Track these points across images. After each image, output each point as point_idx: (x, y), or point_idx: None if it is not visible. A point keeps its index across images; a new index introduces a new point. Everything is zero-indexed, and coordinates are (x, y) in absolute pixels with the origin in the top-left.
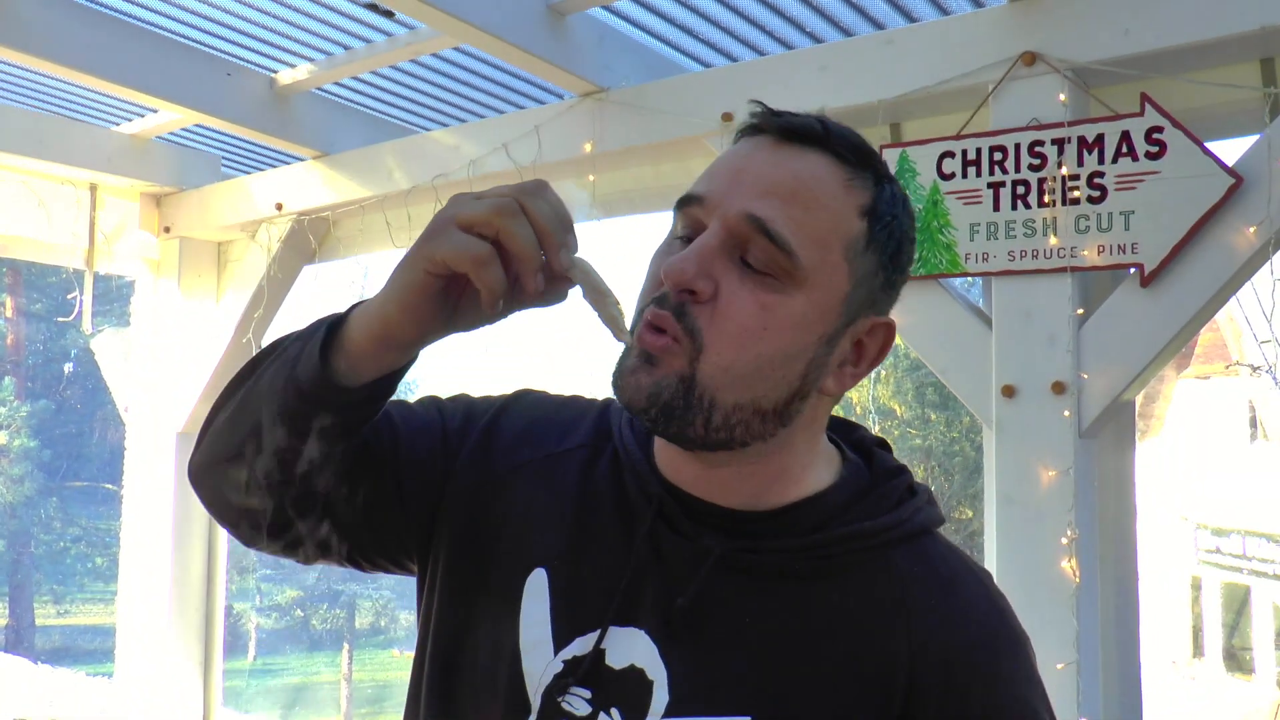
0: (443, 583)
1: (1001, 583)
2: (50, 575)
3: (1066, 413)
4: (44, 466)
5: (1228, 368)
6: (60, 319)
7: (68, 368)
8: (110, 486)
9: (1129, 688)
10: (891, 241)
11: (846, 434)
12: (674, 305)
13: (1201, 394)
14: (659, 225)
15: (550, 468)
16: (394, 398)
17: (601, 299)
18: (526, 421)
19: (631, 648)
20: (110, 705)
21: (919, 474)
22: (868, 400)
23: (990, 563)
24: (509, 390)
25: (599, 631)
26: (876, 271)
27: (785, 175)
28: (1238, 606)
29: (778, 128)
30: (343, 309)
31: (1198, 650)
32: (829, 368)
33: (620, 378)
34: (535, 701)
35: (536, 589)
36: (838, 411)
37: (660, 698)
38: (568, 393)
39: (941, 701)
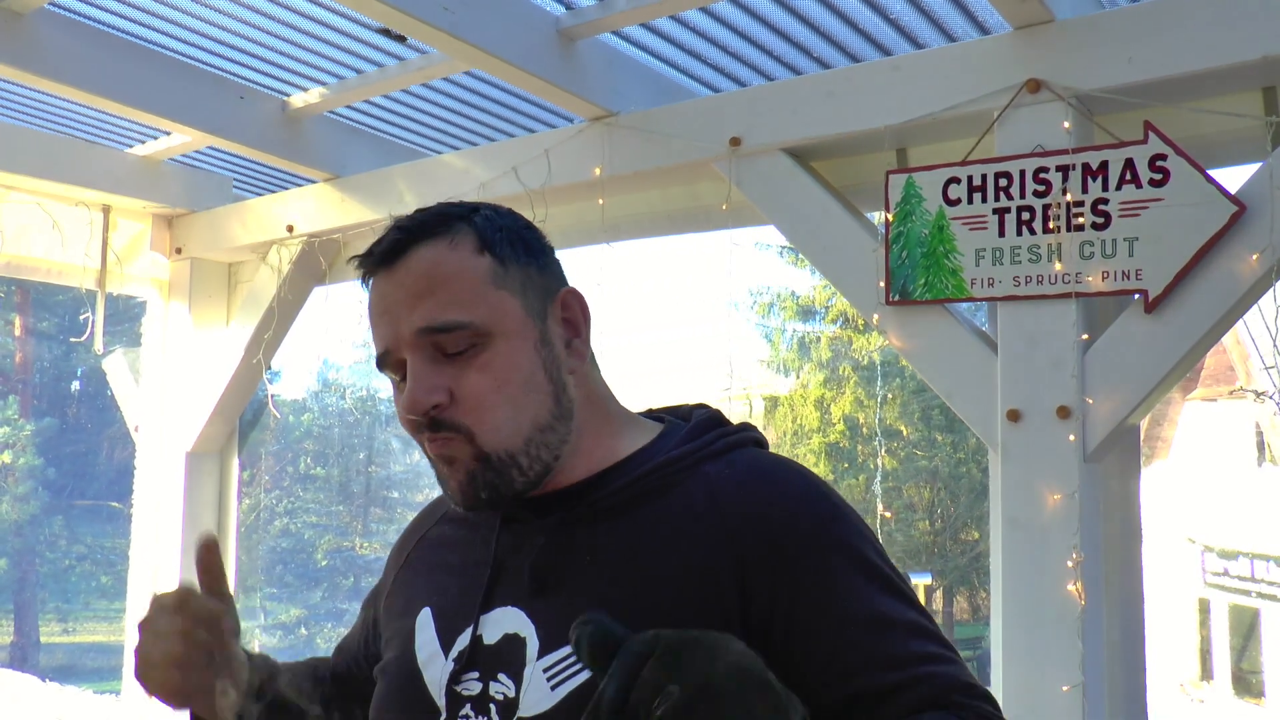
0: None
1: (1007, 604)
2: (55, 593)
3: (1071, 437)
4: (49, 485)
5: (1231, 393)
6: (74, 339)
7: (74, 386)
8: (116, 505)
9: (1134, 709)
10: (513, 246)
11: (673, 411)
12: (430, 423)
13: (1208, 417)
14: (667, 248)
15: (418, 552)
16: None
17: None
18: (395, 548)
19: (502, 622)
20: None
21: (925, 495)
22: (874, 422)
23: (996, 584)
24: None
25: (472, 624)
26: (525, 272)
27: (410, 283)
28: (1246, 630)
29: (376, 261)
30: None
31: (1206, 673)
32: (561, 356)
33: (450, 493)
34: (441, 701)
35: (424, 622)
36: (844, 431)
37: (533, 647)
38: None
39: (774, 572)
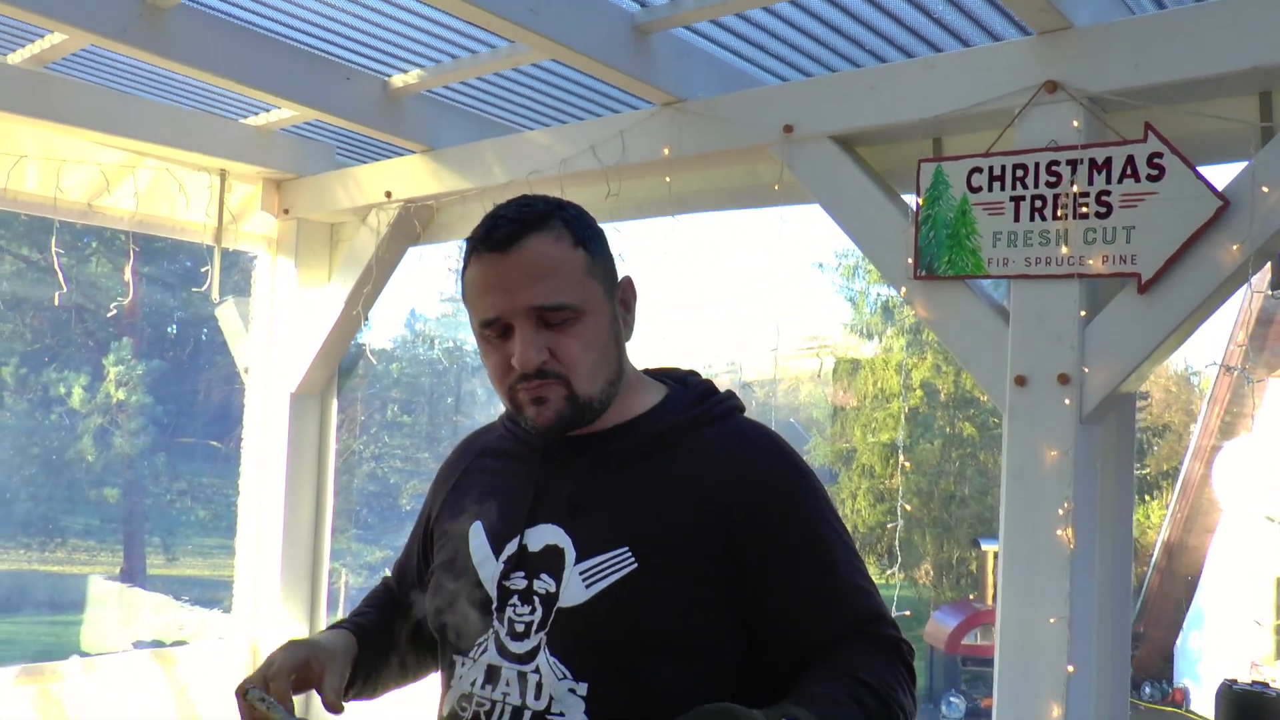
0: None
1: (1008, 547)
2: (159, 526)
3: (1069, 401)
4: (158, 422)
5: (1226, 369)
6: (194, 289)
7: (171, 330)
8: (215, 444)
9: (1119, 643)
10: (597, 241)
11: (669, 374)
12: (536, 373)
13: None
14: (728, 222)
15: (464, 479)
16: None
17: None
18: (448, 462)
19: (544, 535)
20: (230, 632)
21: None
22: (952, 388)
23: (1000, 529)
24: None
25: (519, 534)
26: (605, 263)
27: (525, 267)
28: None
29: (494, 245)
30: None
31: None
32: (621, 329)
33: (532, 422)
34: (493, 593)
35: (476, 531)
36: (923, 397)
37: (570, 555)
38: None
39: (751, 519)
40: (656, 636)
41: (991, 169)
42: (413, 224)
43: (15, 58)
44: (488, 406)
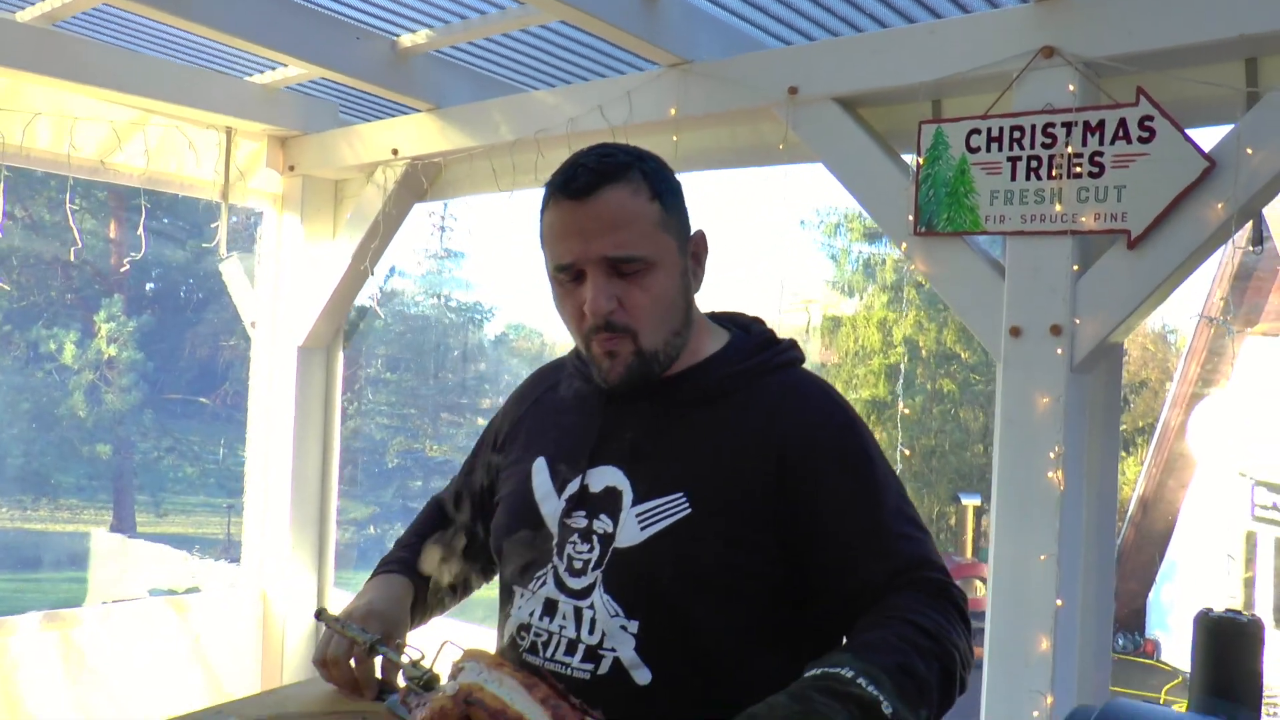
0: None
1: (1001, 489)
2: (147, 483)
3: (1060, 350)
4: (148, 378)
5: (1207, 320)
6: (204, 244)
7: (149, 287)
8: (203, 400)
9: (1103, 577)
10: (673, 195)
11: (732, 319)
12: (605, 325)
13: (1270, 351)
14: (733, 179)
15: (533, 405)
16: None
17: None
18: (519, 393)
19: (604, 477)
20: (239, 580)
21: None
22: (934, 345)
23: (994, 472)
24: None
25: (581, 474)
26: (679, 218)
27: (602, 216)
28: None
29: (573, 193)
30: None
31: (1249, 604)
32: (690, 283)
33: (603, 374)
34: (555, 530)
35: (539, 467)
36: (904, 354)
37: (628, 498)
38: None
39: (802, 465)
40: (706, 580)
41: (989, 130)
42: (420, 181)
43: (25, 15)
44: (474, 364)
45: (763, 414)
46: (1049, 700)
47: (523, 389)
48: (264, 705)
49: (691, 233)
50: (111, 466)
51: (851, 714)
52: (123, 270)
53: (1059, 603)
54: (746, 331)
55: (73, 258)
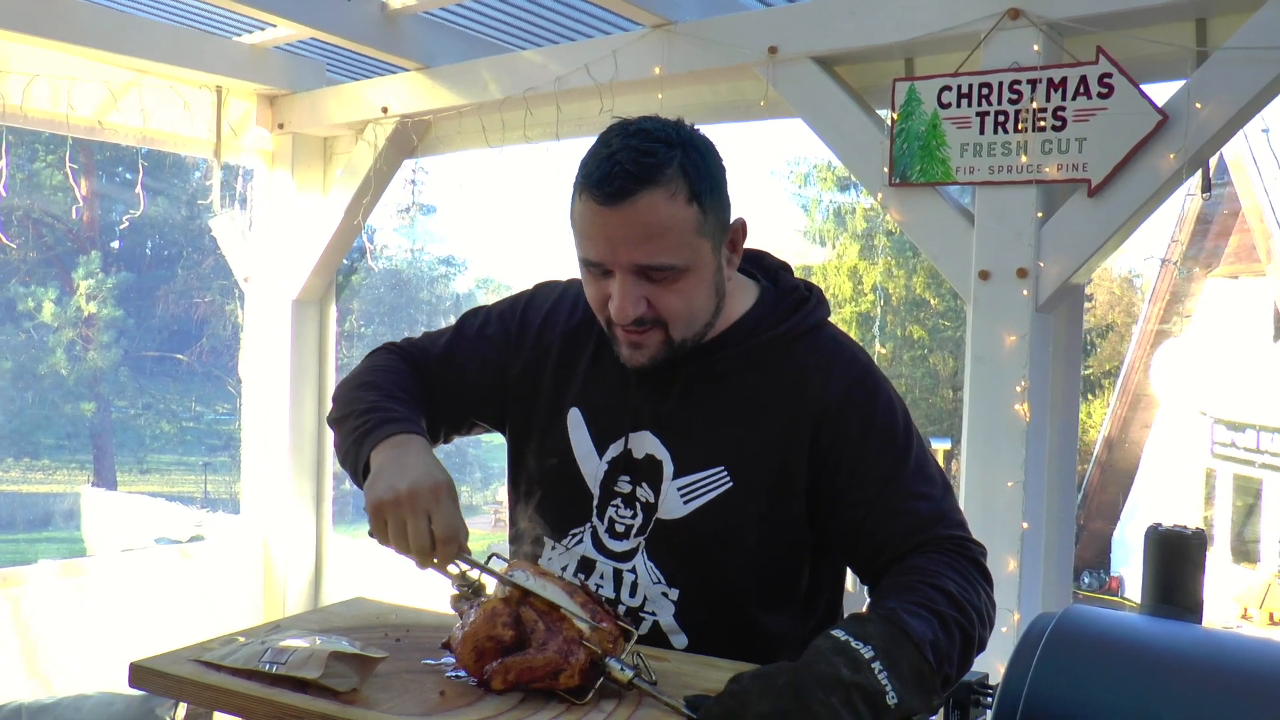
0: (518, 433)
1: (971, 422)
2: (127, 440)
3: (1025, 292)
4: (128, 334)
5: (1169, 264)
6: (200, 201)
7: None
8: (181, 357)
9: (1065, 502)
10: (714, 192)
11: (758, 262)
12: (635, 322)
13: (1229, 293)
14: (716, 135)
15: (566, 343)
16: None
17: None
18: (543, 313)
19: (645, 444)
20: (241, 531)
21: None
22: (904, 292)
23: (965, 406)
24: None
25: (624, 438)
26: (717, 214)
27: (636, 224)
28: (1250, 500)
29: (607, 200)
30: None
31: (1209, 539)
32: (725, 271)
33: (628, 360)
34: (595, 490)
35: (576, 421)
36: (874, 301)
37: (668, 469)
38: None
39: (837, 426)
40: (746, 552)
41: (960, 87)
42: (410, 138)
43: None
44: (448, 318)
45: (795, 382)
46: (1015, 617)
47: (543, 316)
48: (311, 622)
49: (731, 221)
50: (92, 425)
51: (857, 710)
52: (122, 227)
53: (1025, 525)
54: (774, 282)
55: (74, 215)
